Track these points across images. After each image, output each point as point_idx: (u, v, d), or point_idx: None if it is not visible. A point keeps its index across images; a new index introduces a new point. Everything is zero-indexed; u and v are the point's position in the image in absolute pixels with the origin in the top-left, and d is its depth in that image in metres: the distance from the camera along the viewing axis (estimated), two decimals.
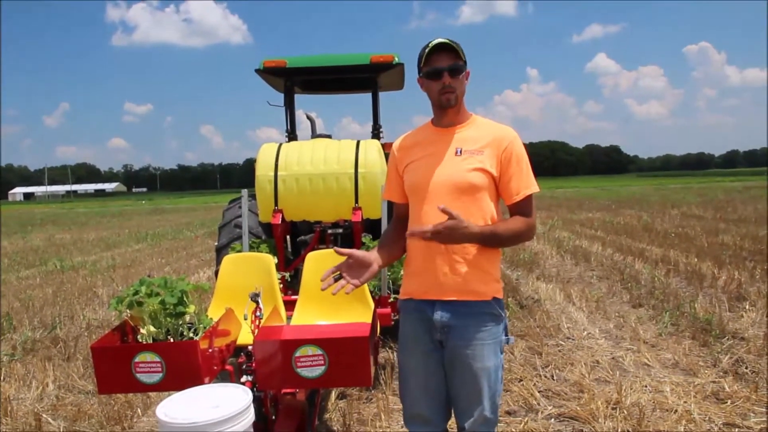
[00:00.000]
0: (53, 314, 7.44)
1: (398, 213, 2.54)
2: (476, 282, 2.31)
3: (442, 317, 2.31)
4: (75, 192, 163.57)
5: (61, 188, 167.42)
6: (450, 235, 2.13)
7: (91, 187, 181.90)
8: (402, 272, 4.69)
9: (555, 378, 4.68)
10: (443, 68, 2.26)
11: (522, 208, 2.34)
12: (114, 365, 2.42)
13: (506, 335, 2.42)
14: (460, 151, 2.32)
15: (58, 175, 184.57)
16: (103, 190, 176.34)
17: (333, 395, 4.46)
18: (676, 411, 3.92)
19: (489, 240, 2.26)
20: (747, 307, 6.41)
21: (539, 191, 2.38)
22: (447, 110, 2.34)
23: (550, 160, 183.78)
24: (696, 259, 9.47)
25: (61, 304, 8.18)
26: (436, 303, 2.32)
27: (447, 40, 2.25)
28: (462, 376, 2.34)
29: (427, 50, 2.26)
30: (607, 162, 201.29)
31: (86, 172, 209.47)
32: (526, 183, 2.33)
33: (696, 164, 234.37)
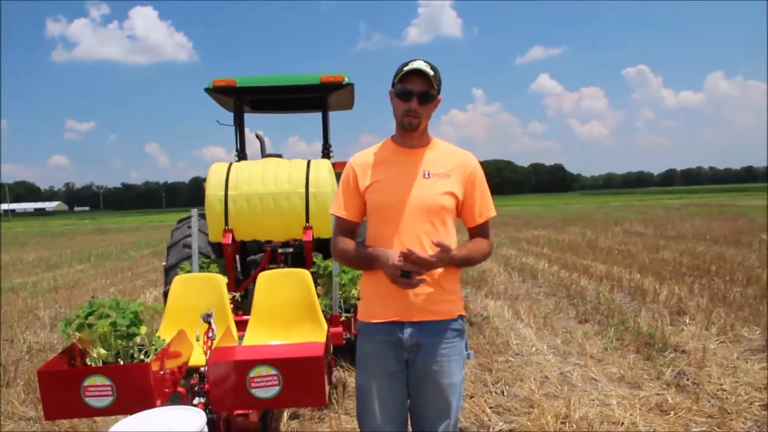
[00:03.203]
0: None
1: (348, 229, 2.49)
2: (444, 302, 2.38)
3: (411, 337, 2.34)
4: (13, 211, 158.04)
5: None
6: (439, 263, 2.23)
7: (30, 205, 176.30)
8: (353, 292, 4.72)
9: (505, 394, 4.74)
10: (413, 92, 2.30)
11: (483, 230, 2.48)
12: (62, 390, 2.37)
13: (466, 350, 2.49)
14: (428, 174, 2.37)
15: None
16: (43, 209, 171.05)
17: (285, 415, 4.41)
18: (622, 423, 4.03)
19: (464, 262, 2.38)
20: (687, 321, 6.64)
21: (496, 214, 2.50)
22: (410, 132, 2.38)
23: (496, 178, 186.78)
24: (638, 275, 9.75)
25: (0, 327, 7.89)
26: (404, 324, 2.35)
27: (426, 67, 2.29)
28: (431, 392, 2.38)
29: (404, 70, 2.29)
30: (551, 180, 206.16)
31: (25, 191, 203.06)
32: (487, 207, 2.46)
33: (637, 182, 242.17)
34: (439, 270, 2.33)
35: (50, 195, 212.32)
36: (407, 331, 2.33)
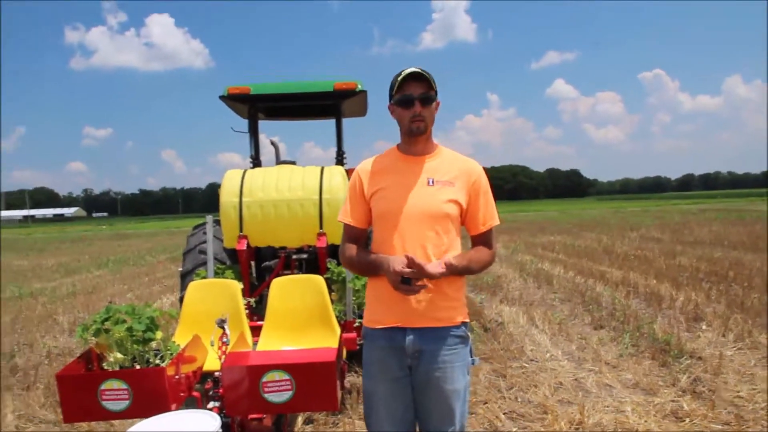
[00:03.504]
0: (12, 342, 7.27)
1: (355, 236, 2.52)
2: (446, 309, 2.40)
3: (414, 343, 2.36)
4: (33, 217, 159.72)
5: (18, 213, 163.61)
6: (441, 274, 2.26)
7: (49, 211, 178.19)
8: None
9: (519, 400, 4.75)
10: (415, 97, 2.33)
11: (486, 238, 2.50)
12: (80, 393, 2.41)
13: (471, 356, 2.49)
14: (432, 181, 2.39)
15: (14, 199, 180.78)
16: (62, 215, 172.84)
17: (300, 420, 4.45)
18: (636, 430, 4.02)
19: (464, 271, 2.40)
20: (704, 327, 6.60)
21: (499, 223, 2.53)
22: (417, 138, 2.41)
23: (511, 183, 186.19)
24: (655, 281, 9.69)
25: (20, 332, 8.00)
26: (407, 330, 2.37)
27: (420, 70, 2.32)
28: (434, 398, 2.40)
29: (400, 78, 2.33)
30: (567, 186, 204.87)
31: (45, 197, 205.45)
32: (491, 215, 2.48)
33: (653, 187, 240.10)
34: (442, 278, 2.33)
35: (69, 201, 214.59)
36: (409, 337, 2.36)
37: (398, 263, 2.22)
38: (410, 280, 2.21)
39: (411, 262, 2.19)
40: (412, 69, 2.33)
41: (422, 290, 2.27)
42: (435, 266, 2.24)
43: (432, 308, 2.36)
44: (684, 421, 4.16)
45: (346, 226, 2.52)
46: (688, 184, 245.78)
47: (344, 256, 2.51)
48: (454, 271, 2.29)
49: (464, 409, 2.47)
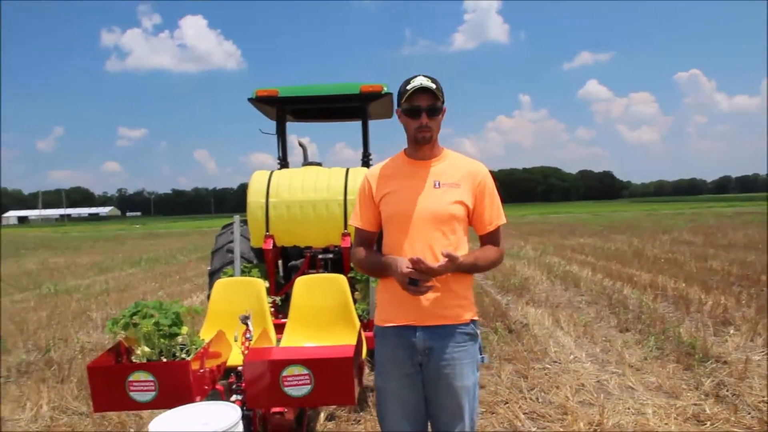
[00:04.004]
0: (47, 337, 7.51)
1: (366, 239, 2.63)
2: (455, 307, 2.48)
3: (424, 341, 2.45)
4: (69, 216, 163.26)
5: (54, 212, 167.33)
6: (445, 270, 2.33)
7: (85, 210, 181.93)
8: None
9: (540, 400, 4.77)
10: (422, 108, 2.42)
11: (493, 237, 2.58)
12: (109, 384, 2.52)
13: (481, 354, 2.57)
14: (438, 184, 2.48)
15: (52, 198, 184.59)
16: (97, 214, 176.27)
17: (322, 416, 4.53)
18: None
19: (471, 268, 2.48)
20: (732, 331, 6.53)
21: (506, 222, 2.62)
22: (423, 145, 2.50)
23: (543, 185, 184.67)
24: (684, 284, 9.60)
25: (55, 327, 8.24)
26: (416, 328, 2.46)
27: (428, 82, 2.40)
28: (444, 394, 2.48)
29: (409, 91, 2.39)
30: (600, 187, 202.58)
31: (80, 196, 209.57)
32: (497, 215, 2.57)
33: (688, 190, 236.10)
34: (451, 277, 2.43)
35: (104, 200, 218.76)
36: (419, 335, 2.45)
37: (405, 265, 2.30)
38: (417, 281, 2.29)
39: (417, 264, 2.26)
40: (420, 81, 2.40)
41: (430, 290, 2.34)
42: (440, 263, 2.31)
43: (441, 306, 2.44)
44: (705, 424, 4.16)
45: (357, 230, 2.64)
46: (724, 187, 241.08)
47: (355, 258, 2.63)
48: (458, 264, 2.34)
49: (474, 405, 2.53)
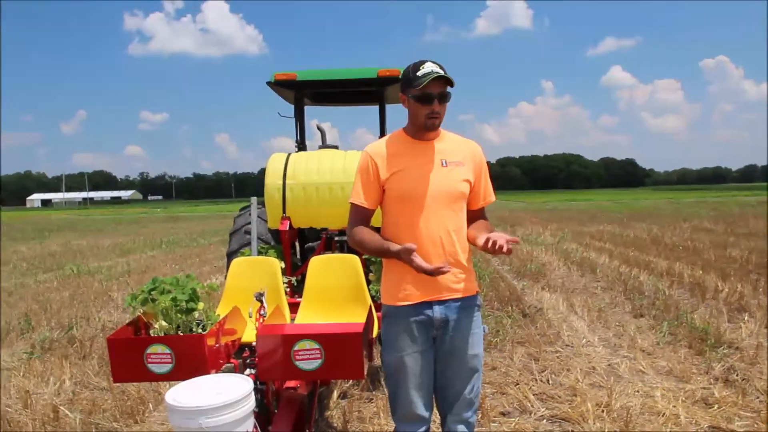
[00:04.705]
0: (70, 316, 7.70)
1: (365, 217, 2.64)
2: (465, 280, 2.61)
3: (441, 314, 2.55)
4: (92, 199, 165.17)
5: (78, 195, 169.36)
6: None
7: (107, 194, 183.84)
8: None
9: (550, 382, 4.84)
10: (435, 95, 2.46)
11: (483, 212, 2.77)
12: (128, 356, 2.62)
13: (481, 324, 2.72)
14: (446, 163, 2.56)
15: (75, 182, 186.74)
16: (119, 198, 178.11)
17: (335, 394, 4.64)
18: (663, 414, 4.07)
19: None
20: (746, 318, 6.53)
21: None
22: (432, 131, 2.57)
23: (565, 172, 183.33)
24: (701, 272, 9.57)
25: (78, 306, 8.44)
26: (433, 303, 2.55)
27: (440, 70, 2.44)
28: (459, 364, 2.62)
29: (424, 80, 2.42)
30: (622, 175, 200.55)
31: (103, 180, 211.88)
32: (490, 192, 2.76)
33: (712, 178, 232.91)
34: (461, 252, 2.57)
35: (126, 184, 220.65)
36: (436, 308, 2.55)
37: (419, 261, 2.39)
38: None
39: (441, 272, 2.38)
40: (432, 68, 2.44)
41: (449, 271, 2.44)
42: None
43: (454, 280, 2.56)
44: (713, 407, 4.19)
45: (358, 208, 2.62)
46: (750, 176, 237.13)
47: (354, 238, 2.62)
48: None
49: (482, 370, 2.71)
